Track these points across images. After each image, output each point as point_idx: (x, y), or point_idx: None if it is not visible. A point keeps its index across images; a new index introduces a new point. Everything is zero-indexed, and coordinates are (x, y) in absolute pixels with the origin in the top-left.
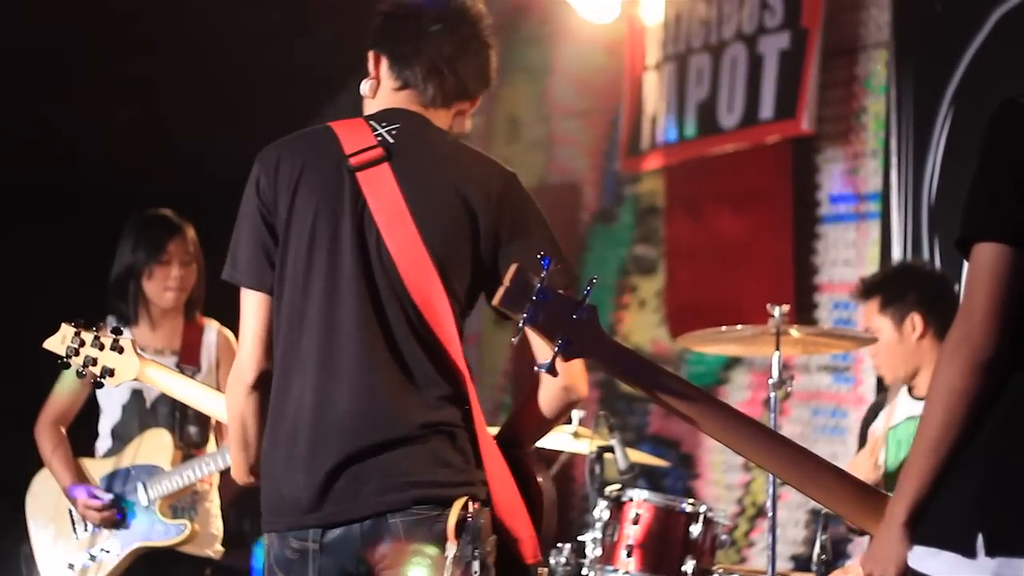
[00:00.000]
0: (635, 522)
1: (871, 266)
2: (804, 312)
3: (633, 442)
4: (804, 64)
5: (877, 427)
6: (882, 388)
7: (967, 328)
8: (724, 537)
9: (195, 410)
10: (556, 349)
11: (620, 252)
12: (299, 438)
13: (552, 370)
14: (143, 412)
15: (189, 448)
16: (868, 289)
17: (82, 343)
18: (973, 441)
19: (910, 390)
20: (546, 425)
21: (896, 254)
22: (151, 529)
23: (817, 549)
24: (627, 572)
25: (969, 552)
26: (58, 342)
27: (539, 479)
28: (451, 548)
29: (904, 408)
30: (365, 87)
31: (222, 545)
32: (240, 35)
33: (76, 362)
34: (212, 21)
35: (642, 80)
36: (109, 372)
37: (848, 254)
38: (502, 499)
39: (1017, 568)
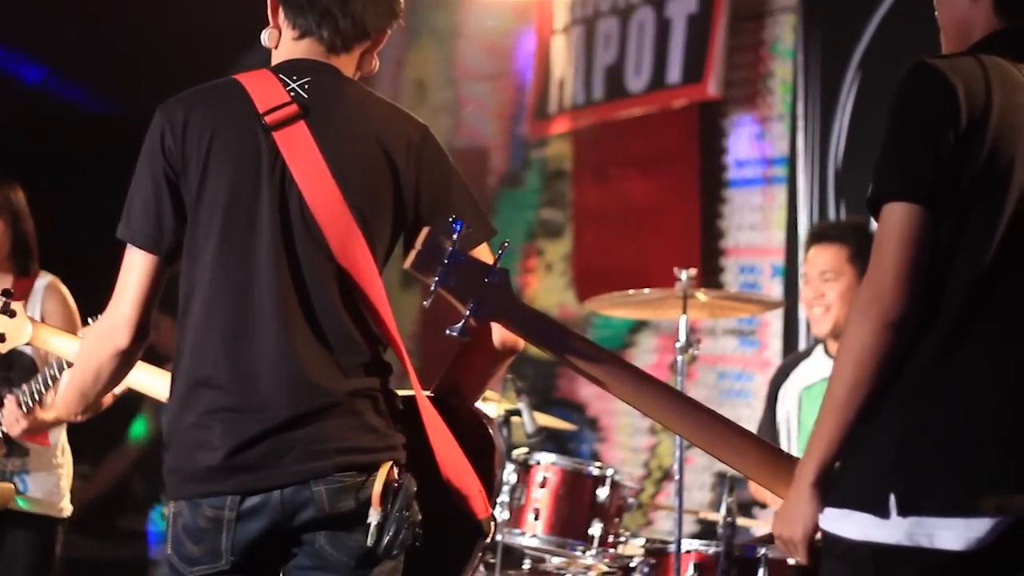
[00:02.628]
0: (542, 485)
1: (778, 230)
2: (710, 276)
3: (540, 406)
4: (712, 28)
5: (788, 388)
6: (788, 351)
7: (877, 288)
8: (631, 500)
9: (18, 375)
10: (468, 312)
11: (527, 216)
12: (215, 406)
13: (464, 333)
14: None
15: None
16: (838, 235)
17: None
18: (883, 402)
19: (826, 349)
20: (485, 379)
21: (803, 218)
22: None
23: (723, 512)
24: (534, 535)
25: (882, 512)
26: None
27: (488, 431)
28: (374, 515)
29: (820, 367)
30: (266, 37)
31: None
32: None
33: None
34: None
35: (550, 44)
36: (0, 337)
37: (755, 218)
38: (446, 457)
39: (929, 527)
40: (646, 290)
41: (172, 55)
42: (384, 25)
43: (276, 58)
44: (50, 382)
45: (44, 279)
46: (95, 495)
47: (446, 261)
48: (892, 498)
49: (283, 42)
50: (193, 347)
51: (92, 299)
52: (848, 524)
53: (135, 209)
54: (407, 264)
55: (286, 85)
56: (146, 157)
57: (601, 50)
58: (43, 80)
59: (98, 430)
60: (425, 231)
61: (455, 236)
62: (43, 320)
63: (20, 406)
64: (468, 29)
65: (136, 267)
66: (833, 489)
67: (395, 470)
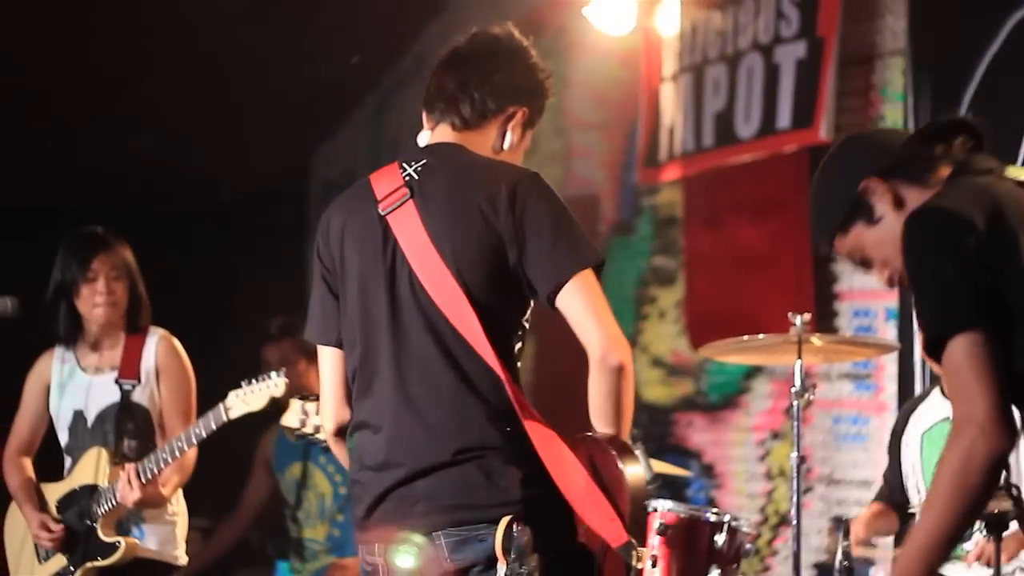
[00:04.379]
0: (659, 533)
1: None
2: (824, 320)
3: (655, 452)
4: (821, 73)
5: (909, 435)
6: (904, 394)
7: (979, 426)
8: (748, 546)
9: (136, 425)
10: None
11: (639, 263)
12: (362, 469)
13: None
14: (85, 431)
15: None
16: None
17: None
18: None
19: (942, 390)
20: (603, 403)
21: None
22: (94, 548)
23: (839, 556)
24: None
25: None
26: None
27: (616, 463)
28: (501, 568)
29: (938, 409)
30: (422, 141)
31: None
32: (252, 52)
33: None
34: (223, 38)
35: (659, 91)
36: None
37: None
38: (572, 491)
39: None
40: (760, 336)
41: (286, 111)
42: (505, 103)
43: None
44: (174, 456)
45: (155, 334)
46: (211, 559)
47: None
48: None
49: (427, 131)
50: (355, 418)
51: (203, 355)
52: None
53: (311, 310)
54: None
55: (404, 171)
56: (314, 264)
57: (710, 96)
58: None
59: (216, 485)
60: None
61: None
62: (158, 373)
63: (139, 475)
64: (576, 78)
65: (322, 362)
66: None
67: (514, 525)
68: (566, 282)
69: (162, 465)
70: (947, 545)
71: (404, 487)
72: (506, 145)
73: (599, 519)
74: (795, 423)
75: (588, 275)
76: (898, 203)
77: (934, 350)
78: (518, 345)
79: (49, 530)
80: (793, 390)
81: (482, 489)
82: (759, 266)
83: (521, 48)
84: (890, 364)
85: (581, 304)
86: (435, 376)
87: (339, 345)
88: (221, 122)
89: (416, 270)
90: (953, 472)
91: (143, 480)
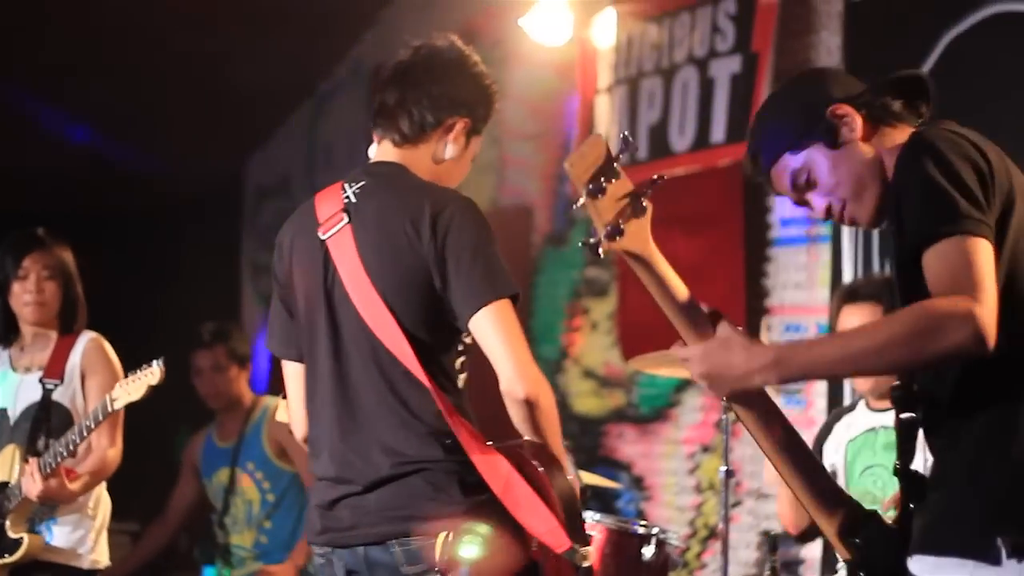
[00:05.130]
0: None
1: (822, 288)
2: (755, 334)
3: (586, 464)
4: (755, 88)
5: (831, 443)
6: (833, 409)
7: (980, 305)
8: (676, 559)
9: (55, 424)
10: (603, 234)
11: (572, 275)
12: (317, 479)
13: (594, 250)
14: (7, 429)
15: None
16: (873, 293)
17: None
18: (981, 452)
19: (867, 404)
20: (521, 428)
21: (847, 276)
22: (2, 545)
23: (767, 572)
24: None
25: (994, 559)
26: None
27: (536, 470)
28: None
29: (863, 421)
30: (372, 154)
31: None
32: (189, 57)
33: None
34: (161, 41)
35: (594, 103)
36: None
37: (799, 277)
38: (512, 502)
39: None
40: None
41: (220, 117)
42: (444, 115)
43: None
44: (68, 449)
45: (86, 336)
46: (139, 563)
47: (601, 175)
48: (1001, 544)
49: (375, 147)
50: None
51: (133, 354)
52: (957, 572)
53: (270, 323)
54: (566, 163)
55: (344, 192)
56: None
57: (645, 109)
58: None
59: (146, 488)
60: (595, 138)
61: (623, 149)
62: (83, 376)
63: (40, 469)
64: (512, 89)
65: (286, 374)
66: (930, 536)
67: (451, 535)
68: (480, 310)
69: (59, 459)
70: (837, 373)
71: (356, 497)
72: (447, 156)
73: (542, 527)
74: (725, 436)
75: (503, 305)
76: (866, 135)
77: (927, 244)
78: (460, 360)
79: None
80: (723, 403)
81: (430, 500)
82: (691, 279)
83: (462, 58)
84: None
85: (493, 334)
86: (371, 396)
87: (299, 359)
88: (157, 126)
89: (351, 294)
90: (922, 325)
91: (44, 473)
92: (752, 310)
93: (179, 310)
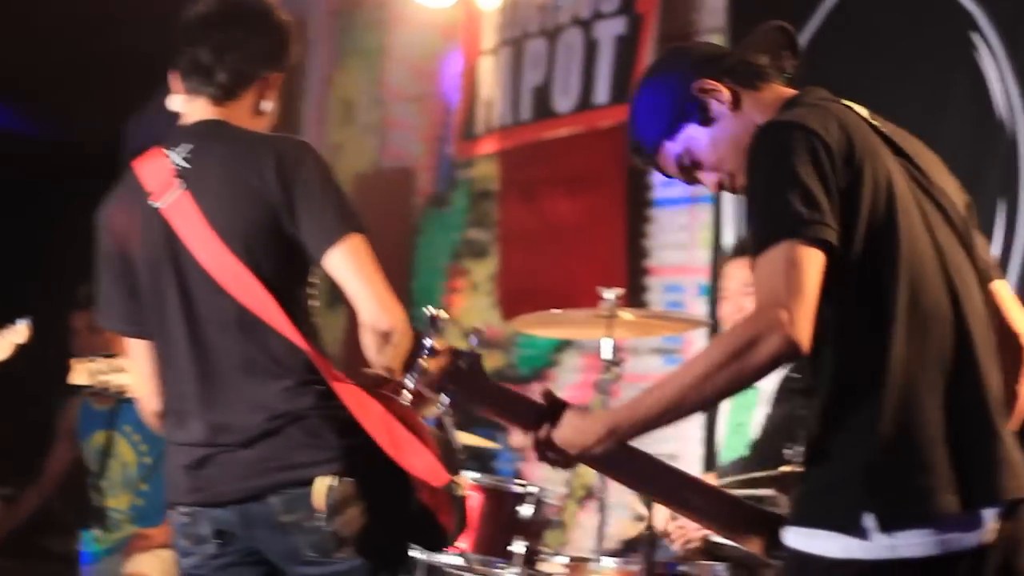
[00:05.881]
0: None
1: (703, 249)
2: (635, 295)
3: (464, 424)
4: (639, 49)
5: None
6: None
7: (788, 310)
8: (553, 518)
9: None
10: (445, 402)
11: (454, 236)
12: (179, 446)
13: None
14: None
15: None
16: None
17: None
18: (844, 427)
19: None
20: (379, 358)
21: (728, 237)
22: None
23: (643, 530)
24: (457, 553)
25: (861, 533)
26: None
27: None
28: (320, 522)
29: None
30: (175, 105)
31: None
32: (67, 19)
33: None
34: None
35: (477, 64)
36: None
37: (680, 237)
38: (387, 442)
39: (910, 539)
40: (570, 310)
41: (101, 79)
42: (263, 70)
43: (182, 119)
44: None
45: None
46: (14, 526)
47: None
48: (870, 518)
49: (184, 103)
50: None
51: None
52: (828, 543)
53: (102, 299)
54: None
55: (171, 158)
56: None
57: (529, 70)
58: None
59: (20, 452)
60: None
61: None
62: None
63: None
64: (395, 50)
65: (129, 351)
66: (804, 510)
67: (330, 480)
68: (334, 245)
69: None
70: (672, 418)
71: (229, 455)
72: (267, 109)
73: (420, 463)
74: (604, 397)
75: (357, 239)
76: (735, 103)
77: (764, 244)
78: (312, 297)
79: None
80: (602, 364)
81: (308, 448)
82: (572, 241)
83: (269, 9)
84: (699, 339)
85: (350, 269)
86: (234, 358)
87: (140, 335)
88: (35, 87)
89: (200, 259)
90: (735, 345)
91: None
92: (633, 271)
93: (57, 272)
